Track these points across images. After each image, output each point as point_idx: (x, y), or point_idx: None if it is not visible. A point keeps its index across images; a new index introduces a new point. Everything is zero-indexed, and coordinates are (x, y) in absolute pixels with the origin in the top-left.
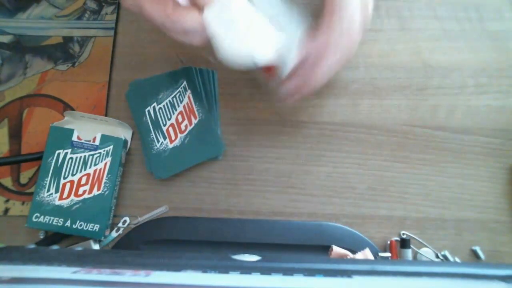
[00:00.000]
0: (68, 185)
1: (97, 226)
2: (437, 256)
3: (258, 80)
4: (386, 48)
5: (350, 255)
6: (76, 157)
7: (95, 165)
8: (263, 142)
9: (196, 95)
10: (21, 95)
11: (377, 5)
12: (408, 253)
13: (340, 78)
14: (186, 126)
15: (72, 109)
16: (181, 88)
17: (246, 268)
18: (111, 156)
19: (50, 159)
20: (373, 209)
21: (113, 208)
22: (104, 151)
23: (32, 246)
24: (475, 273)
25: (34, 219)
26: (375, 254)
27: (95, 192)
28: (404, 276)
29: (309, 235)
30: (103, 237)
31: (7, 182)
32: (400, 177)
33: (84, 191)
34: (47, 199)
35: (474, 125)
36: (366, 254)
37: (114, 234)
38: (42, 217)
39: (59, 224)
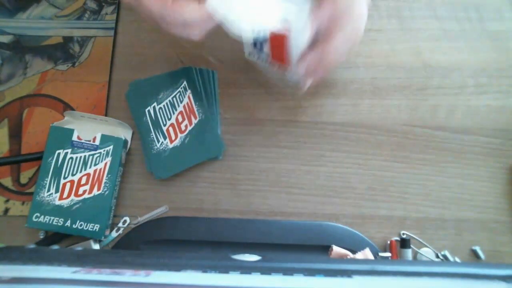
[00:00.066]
0: (68, 185)
1: (97, 226)
2: (437, 256)
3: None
4: (386, 48)
5: (350, 255)
6: (76, 157)
7: (95, 165)
8: (263, 142)
9: (196, 95)
10: (21, 95)
11: (377, 5)
12: (408, 253)
13: (340, 78)
14: (186, 126)
15: (72, 109)
16: (181, 88)
17: (246, 268)
18: (111, 156)
19: (50, 159)
20: (373, 209)
21: (113, 208)
22: (104, 151)
23: (32, 246)
24: (475, 273)
25: (34, 219)
26: (375, 254)
27: (95, 192)
28: (404, 276)
29: (309, 235)
30: (103, 237)
31: (7, 182)
32: (400, 177)
33: (84, 191)
34: (47, 199)
35: (474, 125)
36: (366, 254)
37: (114, 234)
38: (42, 217)
39: (59, 224)
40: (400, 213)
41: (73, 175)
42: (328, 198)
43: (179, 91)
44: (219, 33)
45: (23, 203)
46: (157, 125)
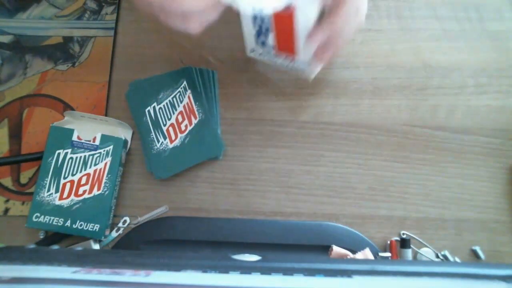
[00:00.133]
0: (68, 185)
1: (97, 226)
2: (437, 256)
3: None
4: (386, 48)
5: (350, 255)
6: (76, 157)
7: (95, 165)
8: (263, 142)
9: (196, 95)
10: (21, 95)
11: (377, 5)
12: (408, 253)
13: (340, 78)
14: (186, 126)
15: (72, 109)
16: (181, 88)
17: (246, 268)
18: (111, 156)
19: (50, 159)
20: (373, 209)
21: (113, 208)
22: (104, 151)
23: (32, 246)
24: (475, 273)
25: (34, 219)
26: (375, 254)
27: (95, 192)
28: (404, 276)
29: (309, 235)
30: (103, 237)
31: (7, 182)
32: (400, 177)
33: (84, 191)
34: (47, 199)
35: (474, 125)
36: (366, 254)
37: (114, 234)
38: (42, 217)
39: (59, 224)
40: (400, 213)
41: (73, 175)
42: (328, 198)
43: (179, 91)
44: (219, 33)
45: (23, 203)
46: (157, 125)
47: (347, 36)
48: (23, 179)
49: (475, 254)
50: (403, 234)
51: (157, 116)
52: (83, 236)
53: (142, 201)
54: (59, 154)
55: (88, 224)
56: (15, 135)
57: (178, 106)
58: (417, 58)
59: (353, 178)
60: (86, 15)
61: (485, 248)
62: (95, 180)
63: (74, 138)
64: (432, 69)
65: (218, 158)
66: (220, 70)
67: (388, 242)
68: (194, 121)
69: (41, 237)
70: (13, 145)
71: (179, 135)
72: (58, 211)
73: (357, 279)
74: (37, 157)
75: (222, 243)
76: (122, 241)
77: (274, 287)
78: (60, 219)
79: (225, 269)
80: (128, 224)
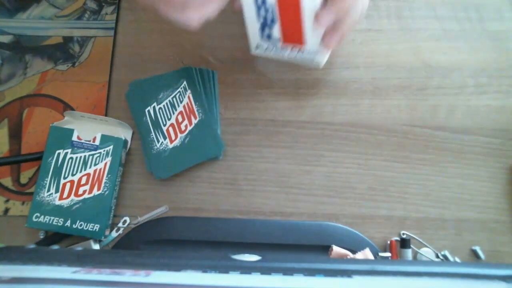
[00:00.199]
0: (68, 185)
1: (97, 226)
2: (437, 256)
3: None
4: (386, 48)
5: (350, 255)
6: (76, 157)
7: (95, 165)
8: (263, 142)
9: (196, 95)
10: (21, 95)
11: (377, 5)
12: (408, 253)
13: (340, 78)
14: (186, 126)
15: (72, 109)
16: (181, 88)
17: (246, 268)
18: (111, 156)
19: (50, 159)
20: (373, 209)
21: (113, 208)
22: (104, 151)
23: (32, 246)
24: (475, 273)
25: (34, 219)
26: (375, 254)
27: (95, 192)
28: (404, 276)
29: (309, 235)
30: (103, 237)
31: (7, 182)
32: (400, 177)
33: (84, 191)
34: (47, 199)
35: (474, 125)
36: (366, 254)
37: (114, 234)
38: (42, 217)
39: (59, 224)
40: (400, 213)
41: (73, 175)
42: (328, 198)
43: (179, 91)
44: (219, 33)
45: (23, 203)
46: (157, 125)
47: (354, 17)
48: (23, 179)
49: (475, 254)
50: (403, 234)
51: (157, 116)
52: (83, 236)
53: (142, 201)
54: (59, 154)
55: (88, 224)
56: (15, 135)
57: (178, 106)
58: (417, 58)
59: (353, 178)
60: (86, 15)
61: (485, 248)
62: (95, 180)
63: (74, 138)
64: (432, 69)
65: (218, 158)
66: (220, 70)
67: (388, 242)
68: (194, 121)
69: (41, 237)
70: (13, 145)
71: (179, 135)
72: (58, 211)
73: (357, 279)
74: (37, 157)
75: (222, 243)
76: (122, 241)
77: (274, 287)
78: (60, 219)
79: (225, 269)
80: (128, 224)
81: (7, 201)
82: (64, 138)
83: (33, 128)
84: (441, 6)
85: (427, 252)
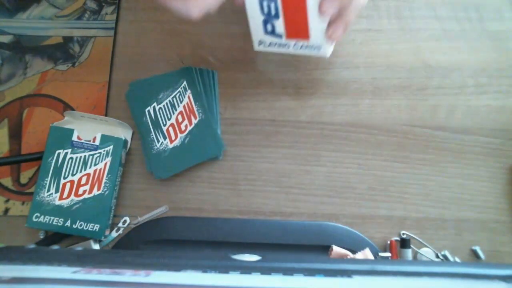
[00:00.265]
0: (68, 185)
1: (97, 226)
2: (437, 256)
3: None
4: (386, 48)
5: (350, 255)
6: (76, 157)
7: (95, 165)
8: (264, 142)
9: (196, 95)
10: (21, 95)
11: (377, 5)
12: (408, 253)
13: (340, 78)
14: (186, 126)
15: (72, 109)
16: (181, 88)
17: (246, 268)
18: (111, 156)
19: (50, 159)
20: (373, 209)
21: (113, 208)
22: (104, 151)
23: (32, 246)
24: (475, 273)
25: (34, 219)
26: (375, 254)
27: (95, 192)
28: (404, 276)
29: (309, 235)
30: (103, 237)
31: (7, 182)
32: (400, 177)
33: (84, 191)
34: (47, 199)
35: (474, 125)
36: (366, 254)
37: (114, 234)
38: (42, 217)
39: (59, 224)
40: (400, 213)
41: (73, 175)
42: (328, 198)
43: (179, 91)
44: (219, 33)
45: (23, 203)
46: (157, 125)
47: (357, 5)
48: (23, 179)
49: (475, 254)
50: (403, 234)
51: (157, 116)
52: (83, 236)
53: (142, 201)
54: (59, 154)
55: (88, 224)
56: (15, 135)
57: (178, 106)
58: (417, 58)
59: (353, 178)
60: (86, 15)
61: (485, 248)
62: (95, 180)
63: (74, 138)
64: (432, 69)
65: (218, 158)
66: (220, 70)
67: (388, 242)
68: (194, 121)
69: (41, 237)
70: (13, 145)
71: (179, 135)
72: (58, 211)
73: (357, 279)
74: (37, 157)
75: (222, 243)
76: (122, 241)
77: (274, 287)
78: (60, 219)
79: (225, 269)
80: (128, 224)
81: (7, 201)
82: (64, 138)
83: (33, 128)
84: (441, 6)
85: (427, 252)
